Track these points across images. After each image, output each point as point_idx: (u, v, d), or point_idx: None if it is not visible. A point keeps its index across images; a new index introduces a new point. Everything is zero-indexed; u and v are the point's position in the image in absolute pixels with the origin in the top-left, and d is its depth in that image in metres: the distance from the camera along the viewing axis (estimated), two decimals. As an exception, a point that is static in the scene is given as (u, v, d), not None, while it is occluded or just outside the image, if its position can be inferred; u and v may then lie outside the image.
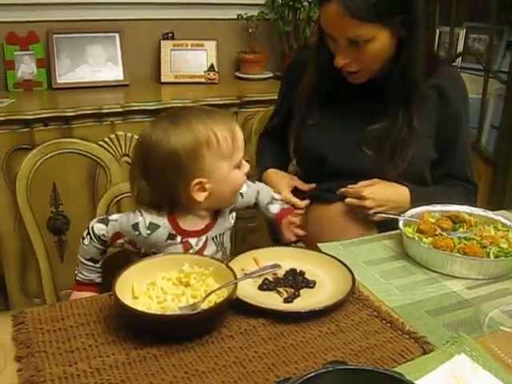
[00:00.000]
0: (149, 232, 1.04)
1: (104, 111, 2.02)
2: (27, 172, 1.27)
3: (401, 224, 1.14)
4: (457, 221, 1.16)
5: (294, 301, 0.93)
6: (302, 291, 0.96)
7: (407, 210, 1.20)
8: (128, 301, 0.85)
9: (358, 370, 0.66)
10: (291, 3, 2.51)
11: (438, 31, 2.80)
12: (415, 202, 1.25)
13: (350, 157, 1.31)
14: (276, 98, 1.59)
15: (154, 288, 0.90)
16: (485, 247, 1.06)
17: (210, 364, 0.77)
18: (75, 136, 1.81)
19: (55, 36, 2.29)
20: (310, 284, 0.98)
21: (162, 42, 2.48)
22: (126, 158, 1.38)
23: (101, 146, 1.34)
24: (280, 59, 2.67)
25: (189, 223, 1.07)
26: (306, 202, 1.36)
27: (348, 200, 1.29)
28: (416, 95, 1.27)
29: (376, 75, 1.28)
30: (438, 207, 1.21)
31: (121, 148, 1.37)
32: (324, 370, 0.62)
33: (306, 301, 0.93)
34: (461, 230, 1.14)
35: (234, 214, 1.14)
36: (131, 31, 2.41)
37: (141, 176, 1.04)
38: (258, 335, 0.84)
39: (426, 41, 1.33)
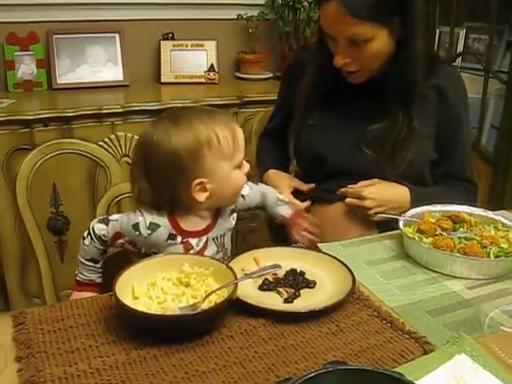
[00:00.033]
0: (149, 232, 1.04)
1: (104, 111, 2.02)
2: (27, 172, 1.27)
3: (401, 224, 1.14)
4: (457, 221, 1.16)
5: (294, 301, 0.93)
6: (302, 291, 0.96)
7: (407, 210, 1.20)
8: (128, 301, 0.85)
9: (359, 370, 0.66)
10: (291, 3, 2.51)
11: (438, 31, 2.79)
12: (415, 202, 1.25)
13: (349, 157, 1.31)
14: (276, 98, 1.59)
15: (155, 288, 0.90)
16: (485, 247, 1.06)
17: (210, 364, 0.77)
18: (75, 136, 1.81)
19: (55, 36, 2.29)
20: (310, 284, 0.98)
21: (162, 42, 2.48)
22: (126, 159, 1.37)
23: (101, 146, 1.35)
24: (280, 59, 2.67)
25: (189, 223, 1.07)
26: (306, 204, 1.36)
27: (348, 200, 1.30)
28: (416, 95, 1.27)
29: (375, 75, 1.28)
30: (439, 207, 1.21)
31: (121, 148, 1.37)
32: (324, 371, 0.62)
33: (306, 301, 0.93)
34: (461, 230, 1.14)
35: (234, 214, 1.14)
36: (131, 31, 2.41)
37: (142, 176, 1.03)
38: (258, 335, 0.84)
39: (426, 41, 1.33)
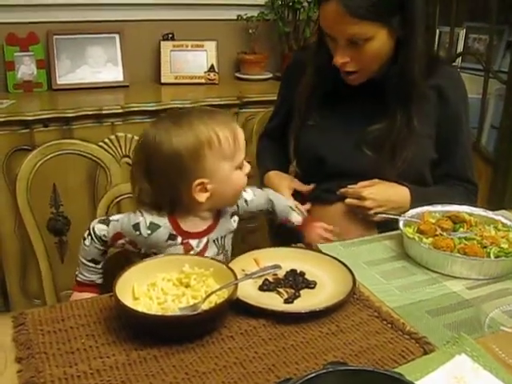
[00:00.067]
0: (149, 232, 1.04)
1: (104, 112, 2.02)
2: (27, 173, 1.27)
3: (401, 224, 1.14)
4: (457, 221, 1.16)
5: (295, 301, 0.93)
6: (302, 292, 0.96)
7: (407, 211, 1.20)
8: (128, 302, 0.85)
9: (359, 370, 0.66)
10: (291, 4, 2.51)
11: (438, 31, 2.79)
12: (415, 202, 1.25)
13: (349, 157, 1.31)
14: (276, 98, 1.59)
15: (155, 289, 0.90)
16: (485, 247, 1.06)
17: (210, 365, 0.77)
18: (75, 137, 1.81)
19: (55, 37, 2.29)
20: (310, 284, 0.98)
21: (162, 42, 2.48)
22: (126, 159, 1.37)
23: (101, 146, 1.34)
24: (280, 60, 2.67)
25: (190, 224, 1.06)
26: (306, 207, 1.36)
27: (348, 200, 1.30)
28: (415, 95, 1.26)
29: (375, 76, 1.28)
30: (439, 207, 1.21)
31: (121, 149, 1.36)
32: (324, 371, 0.62)
33: (307, 301, 0.93)
34: (461, 230, 1.14)
35: (236, 217, 1.14)
36: (131, 32, 2.41)
37: (142, 176, 1.03)
38: (258, 336, 0.84)
39: (426, 41, 1.33)
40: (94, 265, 1.09)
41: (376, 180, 1.29)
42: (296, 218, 1.24)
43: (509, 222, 1.16)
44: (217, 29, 2.55)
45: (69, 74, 2.32)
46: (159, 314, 0.85)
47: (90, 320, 0.87)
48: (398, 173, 1.28)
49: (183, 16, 2.50)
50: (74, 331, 0.84)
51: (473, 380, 0.73)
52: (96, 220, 1.09)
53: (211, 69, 2.49)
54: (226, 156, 1.02)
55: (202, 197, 1.02)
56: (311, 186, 1.39)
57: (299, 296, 0.95)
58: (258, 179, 1.48)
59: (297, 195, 1.39)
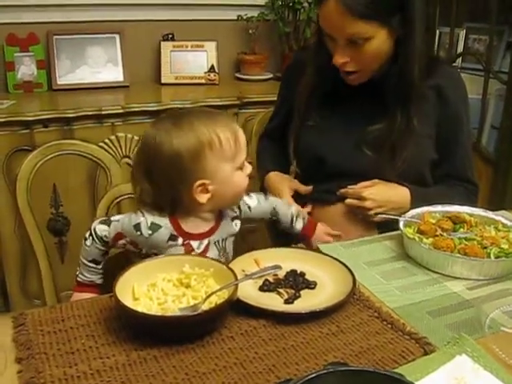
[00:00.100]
0: (150, 232, 1.04)
1: (104, 112, 2.02)
2: (27, 173, 1.26)
3: (401, 225, 1.14)
4: (457, 221, 1.16)
5: (295, 302, 0.93)
6: (302, 292, 0.96)
7: (408, 211, 1.20)
8: (128, 302, 0.85)
9: (359, 371, 0.66)
10: (291, 4, 2.51)
11: (438, 32, 2.79)
12: (415, 202, 1.25)
13: (349, 157, 1.31)
14: (276, 99, 1.59)
15: (155, 289, 0.90)
16: (485, 248, 1.06)
17: (210, 365, 0.77)
18: (75, 137, 1.81)
19: (55, 37, 2.29)
20: (310, 285, 0.98)
21: (162, 43, 2.48)
22: (127, 160, 1.37)
23: (101, 147, 1.34)
24: (280, 60, 2.67)
25: (191, 225, 1.06)
26: (307, 210, 1.35)
27: (348, 201, 1.30)
28: (415, 95, 1.26)
29: (375, 76, 1.28)
30: (439, 208, 1.21)
31: (121, 149, 1.36)
32: (325, 371, 0.62)
33: (307, 302, 0.93)
34: (461, 230, 1.14)
35: (238, 221, 1.13)
36: (131, 32, 2.41)
37: (143, 177, 1.03)
38: (258, 336, 0.84)
39: (426, 41, 1.33)
40: (94, 265, 1.09)
41: (376, 180, 1.29)
42: (299, 226, 1.24)
43: (509, 223, 1.15)
44: (217, 29, 2.56)
45: (69, 74, 2.32)
46: (159, 314, 0.85)
47: (90, 320, 0.87)
48: (398, 173, 1.28)
49: (183, 16, 2.50)
50: (74, 332, 0.84)
51: (473, 380, 0.73)
52: (97, 220, 1.09)
53: (211, 69, 2.49)
54: (226, 157, 1.02)
55: (202, 198, 1.02)
56: (310, 187, 1.39)
57: (299, 296, 0.95)
58: (257, 180, 1.48)
59: (297, 196, 1.39)
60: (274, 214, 1.21)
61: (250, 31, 2.55)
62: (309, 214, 1.34)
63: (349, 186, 1.30)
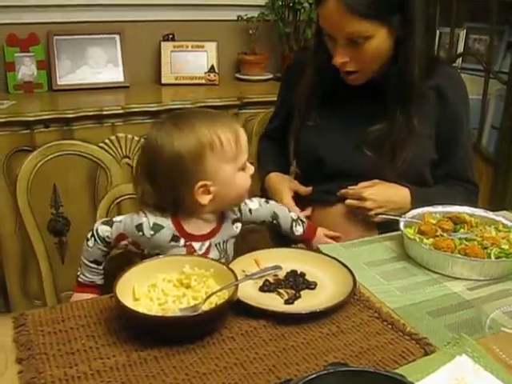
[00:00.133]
0: (152, 233, 1.04)
1: (104, 113, 2.02)
2: (28, 174, 1.27)
3: (401, 225, 1.14)
4: (458, 222, 1.16)
5: (295, 302, 0.93)
6: (302, 292, 0.96)
7: (408, 211, 1.20)
8: (129, 302, 0.85)
9: (359, 371, 0.66)
10: (291, 4, 2.51)
11: (438, 32, 2.79)
12: (416, 202, 1.25)
13: (349, 158, 1.31)
14: (276, 99, 1.59)
15: (155, 290, 0.90)
16: (486, 248, 1.06)
17: (210, 366, 0.77)
18: (76, 138, 1.81)
19: (55, 38, 2.29)
20: (310, 285, 0.98)
21: (163, 43, 2.48)
22: (127, 160, 1.37)
23: (101, 147, 1.34)
24: (280, 60, 2.67)
25: (193, 226, 1.06)
26: (306, 213, 1.35)
27: (348, 201, 1.29)
28: (415, 96, 1.26)
29: (375, 76, 1.28)
30: (439, 208, 1.21)
31: (121, 149, 1.36)
32: (325, 372, 0.62)
33: (307, 302, 0.93)
34: (462, 230, 1.14)
35: (238, 224, 1.13)
36: (131, 33, 2.41)
37: (145, 179, 1.04)
38: (258, 337, 0.84)
39: (426, 41, 1.32)
40: (96, 266, 1.09)
41: (376, 181, 1.29)
42: (300, 231, 1.24)
43: (509, 223, 1.15)
44: (217, 29, 2.56)
45: (69, 74, 2.33)
46: (159, 314, 0.85)
47: (90, 321, 0.87)
48: (398, 173, 1.28)
49: (183, 17, 2.50)
50: (75, 332, 0.84)
51: (473, 381, 0.73)
52: (99, 221, 1.09)
53: (211, 69, 2.50)
54: (228, 158, 1.02)
55: (204, 199, 1.02)
56: (310, 188, 1.39)
57: (300, 297, 0.95)
58: (258, 180, 1.48)
59: (297, 197, 1.39)
60: (275, 218, 1.21)
61: (250, 31, 2.55)
62: (308, 217, 1.34)
63: (349, 187, 1.30)
